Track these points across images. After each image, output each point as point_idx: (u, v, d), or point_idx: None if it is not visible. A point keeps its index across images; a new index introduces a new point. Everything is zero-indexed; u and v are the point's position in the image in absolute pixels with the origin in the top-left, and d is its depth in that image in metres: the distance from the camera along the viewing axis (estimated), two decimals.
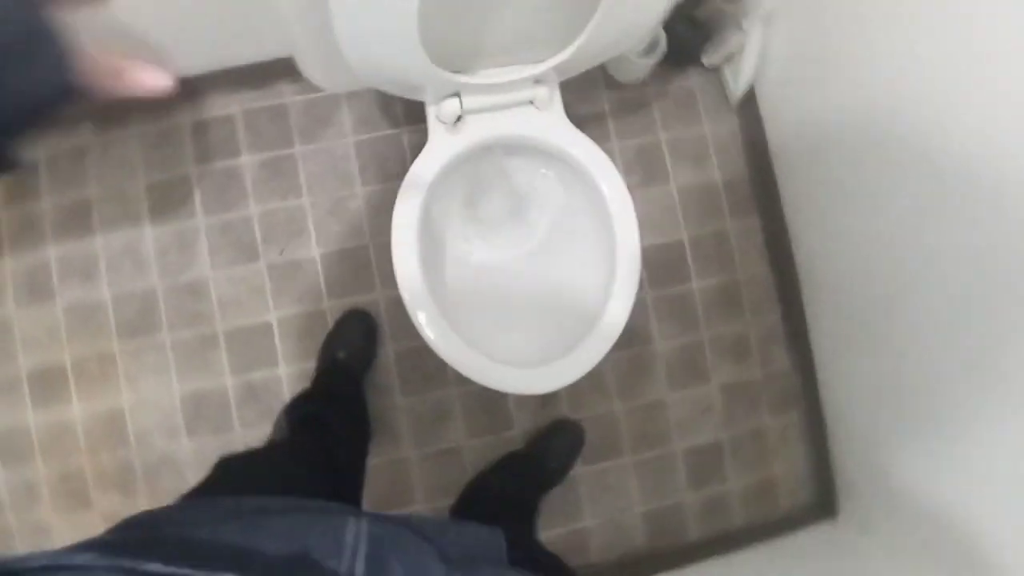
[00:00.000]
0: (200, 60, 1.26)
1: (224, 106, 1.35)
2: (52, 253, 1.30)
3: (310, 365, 1.28)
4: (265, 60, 1.31)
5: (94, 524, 1.27)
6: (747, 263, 1.39)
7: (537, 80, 0.88)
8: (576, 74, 0.90)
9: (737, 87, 1.30)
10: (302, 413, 1.04)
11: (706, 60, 1.30)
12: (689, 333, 1.37)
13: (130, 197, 1.32)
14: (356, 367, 1.23)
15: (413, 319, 0.86)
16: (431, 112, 0.91)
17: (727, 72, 1.35)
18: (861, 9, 0.95)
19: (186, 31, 1.13)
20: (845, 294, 1.19)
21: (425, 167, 0.90)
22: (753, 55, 1.24)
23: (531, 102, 0.91)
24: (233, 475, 0.74)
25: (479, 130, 0.91)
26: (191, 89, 1.32)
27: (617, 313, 0.88)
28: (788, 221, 1.33)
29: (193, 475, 1.26)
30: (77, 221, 1.31)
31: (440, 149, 0.90)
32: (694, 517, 1.35)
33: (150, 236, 1.31)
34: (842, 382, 1.27)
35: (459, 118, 0.91)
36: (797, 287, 1.34)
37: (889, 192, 0.98)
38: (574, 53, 0.79)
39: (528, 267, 1.06)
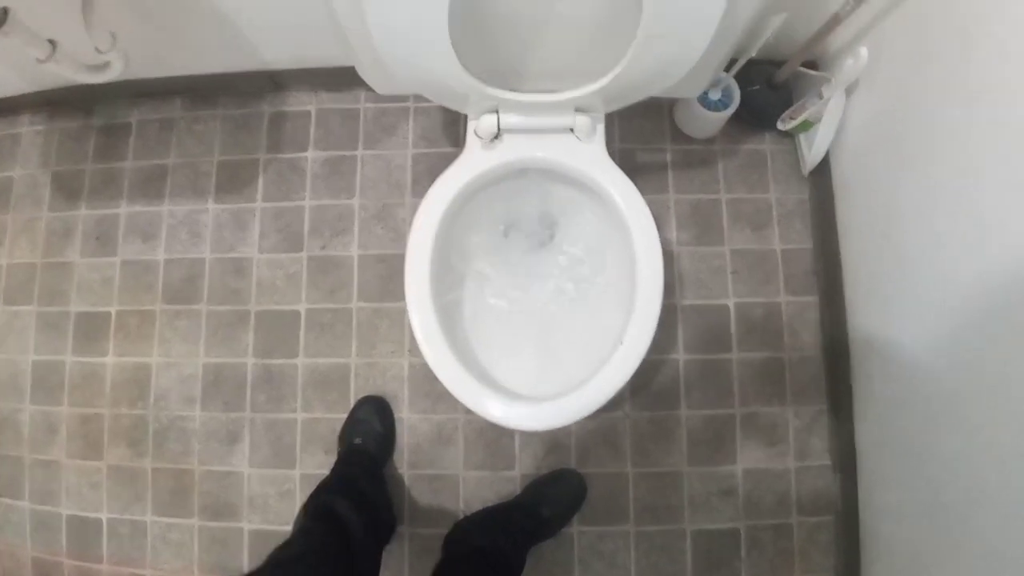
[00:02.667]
0: (289, 55, 1.33)
1: (303, 102, 1.42)
2: (123, 210, 1.40)
3: (325, 361, 1.29)
4: (349, 65, 1.36)
5: (99, 475, 1.31)
6: (797, 343, 1.28)
7: (579, 108, 0.86)
8: (620, 106, 0.87)
9: (811, 156, 1.23)
10: (318, 504, 1.01)
11: (781, 125, 1.24)
12: (720, 406, 1.27)
13: (202, 172, 1.40)
14: (374, 453, 1.20)
15: (417, 338, 0.84)
16: (471, 126, 0.91)
17: (802, 139, 1.28)
18: (951, 84, 0.87)
19: (279, 25, 1.21)
20: (900, 401, 1.06)
21: (452, 178, 0.89)
22: (832, 124, 1.17)
23: (572, 131, 0.89)
24: None
25: (513, 150, 0.90)
26: (278, 82, 1.40)
27: (617, 367, 0.82)
28: (848, 305, 1.22)
29: (198, 447, 1.29)
30: (151, 185, 1.40)
31: (471, 162, 0.90)
32: None
33: (211, 210, 1.38)
34: (885, 496, 1.12)
35: (497, 136, 0.90)
36: (848, 380, 1.22)
37: (967, 290, 0.87)
38: (611, 82, 0.76)
39: (551, 297, 1.02)
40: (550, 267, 1.00)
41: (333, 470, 1.14)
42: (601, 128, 0.90)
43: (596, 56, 0.76)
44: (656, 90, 0.81)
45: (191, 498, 1.29)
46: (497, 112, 0.88)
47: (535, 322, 0.98)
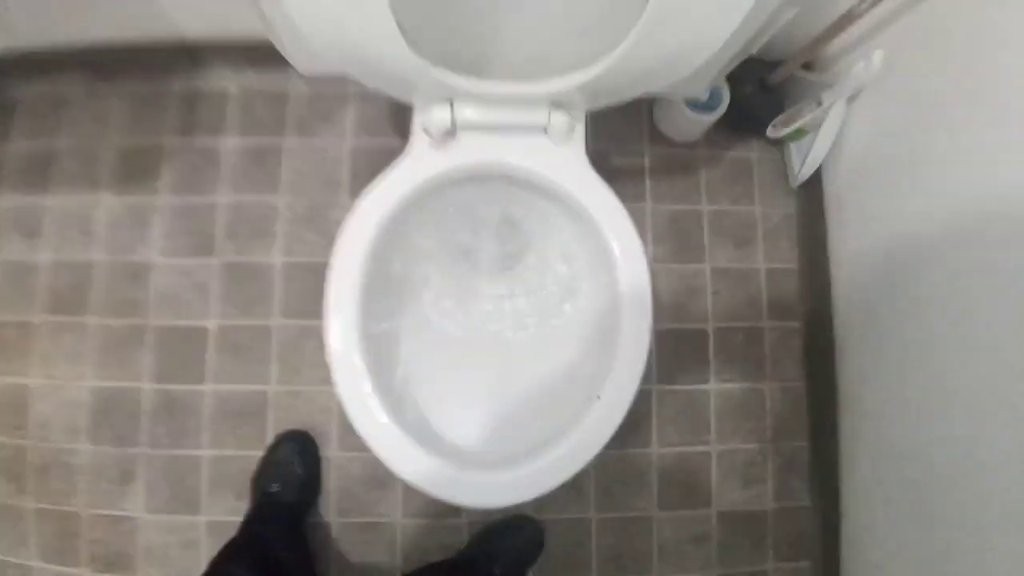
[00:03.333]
0: (208, 23, 1.12)
1: (222, 79, 1.20)
2: (2, 203, 1.16)
3: (238, 388, 1.10)
4: None
5: None
6: (779, 372, 1.17)
7: (555, 104, 0.70)
8: (605, 105, 0.71)
9: (802, 168, 1.10)
10: None
11: (771, 132, 1.11)
12: (695, 442, 1.14)
13: (97, 157, 1.17)
14: (294, 503, 1.02)
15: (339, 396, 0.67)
16: (416, 119, 0.73)
17: (793, 149, 1.15)
18: (975, 96, 0.75)
19: None
20: (892, 440, 0.95)
21: (391, 185, 0.72)
22: (829, 135, 1.04)
23: (545, 131, 0.72)
24: None
25: (471, 153, 0.72)
26: (195, 56, 1.19)
27: (605, 414, 0.67)
28: (837, 332, 1.10)
29: (85, 486, 1.09)
30: (36, 172, 1.17)
31: (416, 166, 0.72)
32: None
33: (105, 204, 1.16)
34: (871, 542, 1.02)
35: (451, 134, 0.73)
36: (835, 413, 1.11)
37: (971, 326, 0.77)
38: (602, 73, 0.60)
39: (513, 334, 0.85)
40: (512, 296, 0.84)
41: (242, 528, 0.95)
42: (581, 129, 0.73)
43: (584, 39, 0.59)
44: (655, 86, 0.65)
45: (79, 546, 1.08)
46: (451, 103, 0.71)
47: (492, 364, 0.81)
